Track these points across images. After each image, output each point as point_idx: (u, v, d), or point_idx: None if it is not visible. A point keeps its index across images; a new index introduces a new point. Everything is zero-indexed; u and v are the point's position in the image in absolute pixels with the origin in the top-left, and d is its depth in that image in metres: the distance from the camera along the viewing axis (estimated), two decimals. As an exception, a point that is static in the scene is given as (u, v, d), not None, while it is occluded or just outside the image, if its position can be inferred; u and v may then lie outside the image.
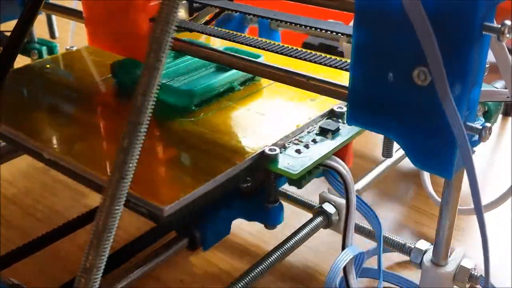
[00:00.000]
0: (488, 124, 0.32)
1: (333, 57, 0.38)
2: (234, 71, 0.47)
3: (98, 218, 0.28)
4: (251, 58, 0.42)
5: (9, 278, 0.43)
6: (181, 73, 0.48)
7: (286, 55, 0.40)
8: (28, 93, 0.49)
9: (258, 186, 0.40)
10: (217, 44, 0.52)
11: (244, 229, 0.56)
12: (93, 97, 0.49)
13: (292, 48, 0.40)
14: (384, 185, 0.63)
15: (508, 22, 0.28)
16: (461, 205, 0.39)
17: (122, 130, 0.28)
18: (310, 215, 0.49)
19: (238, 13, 0.44)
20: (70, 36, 0.78)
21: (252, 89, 0.48)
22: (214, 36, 0.44)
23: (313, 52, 0.39)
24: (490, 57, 0.32)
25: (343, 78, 0.37)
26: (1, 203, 0.60)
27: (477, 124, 0.32)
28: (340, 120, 0.43)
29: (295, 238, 0.46)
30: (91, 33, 0.48)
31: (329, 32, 0.39)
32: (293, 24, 0.41)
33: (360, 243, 0.43)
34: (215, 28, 0.46)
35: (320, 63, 0.38)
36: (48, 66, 0.54)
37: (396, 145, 0.36)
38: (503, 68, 0.33)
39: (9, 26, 0.47)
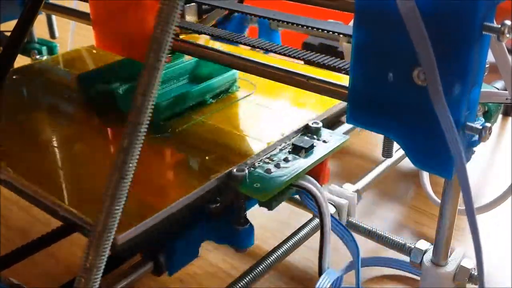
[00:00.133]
0: (488, 124, 0.32)
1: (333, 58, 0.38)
2: (207, 82, 0.45)
3: (98, 218, 0.28)
4: (251, 58, 0.42)
5: (9, 278, 0.43)
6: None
7: (286, 55, 0.40)
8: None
9: (228, 207, 0.38)
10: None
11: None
12: (56, 111, 0.46)
13: (293, 48, 0.40)
14: (384, 185, 0.63)
15: (508, 22, 0.28)
16: (461, 205, 0.39)
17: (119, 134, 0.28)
18: (310, 215, 0.49)
19: (241, 14, 0.44)
20: (70, 36, 0.78)
21: (225, 103, 0.47)
22: (216, 37, 0.44)
23: (313, 52, 0.39)
24: (490, 57, 0.32)
25: (343, 78, 0.37)
26: (1, 203, 0.60)
27: (477, 124, 0.32)
28: (315, 137, 0.41)
29: (295, 238, 0.46)
30: (98, 35, 0.47)
31: (329, 32, 0.39)
32: (293, 24, 0.41)
33: (361, 243, 0.43)
34: (219, 29, 0.46)
35: (320, 63, 0.38)
36: (14, 76, 0.51)
37: (396, 145, 0.36)
38: (503, 68, 0.33)
39: (9, 26, 0.47)
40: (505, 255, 0.53)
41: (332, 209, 0.48)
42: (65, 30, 0.77)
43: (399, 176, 0.66)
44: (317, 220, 0.48)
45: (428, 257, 0.42)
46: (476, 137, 0.32)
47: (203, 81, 0.46)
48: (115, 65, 0.49)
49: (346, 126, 0.47)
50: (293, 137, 0.41)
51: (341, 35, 0.39)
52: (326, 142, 0.41)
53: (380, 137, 0.43)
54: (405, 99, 0.32)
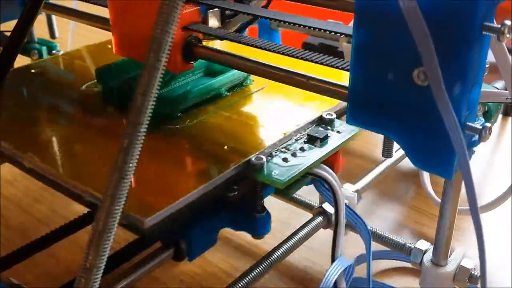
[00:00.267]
0: (488, 124, 0.32)
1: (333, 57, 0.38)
2: (222, 76, 0.46)
3: (98, 218, 0.28)
4: (251, 58, 0.42)
5: (9, 279, 0.43)
6: (167, 79, 0.46)
7: (286, 55, 0.40)
8: (9, 99, 0.48)
9: (245, 195, 0.39)
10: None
11: (244, 229, 0.56)
12: (77, 103, 0.47)
13: (292, 48, 0.40)
14: (384, 185, 0.63)
15: (508, 22, 0.28)
16: (461, 205, 0.39)
17: (120, 132, 0.28)
18: (310, 215, 0.49)
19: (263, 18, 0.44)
20: (70, 36, 0.78)
21: (240, 95, 0.47)
22: (216, 36, 0.44)
23: (313, 52, 0.39)
24: (490, 57, 0.32)
25: (342, 78, 0.37)
26: (1, 203, 0.60)
27: (477, 124, 0.32)
28: (329, 127, 0.42)
29: (295, 238, 0.46)
30: (118, 41, 0.46)
31: (329, 32, 0.39)
32: (293, 24, 0.41)
33: (361, 243, 0.43)
34: (220, 29, 0.46)
35: (320, 63, 0.38)
36: (33, 71, 0.53)
37: (396, 145, 0.36)
38: (503, 68, 0.33)
39: (9, 26, 0.47)
40: (505, 255, 0.53)
41: (332, 209, 0.48)
42: (65, 30, 0.77)
43: (399, 176, 0.66)
44: (317, 220, 0.48)
45: (428, 257, 0.42)
46: (476, 137, 0.32)
47: (217, 74, 0.47)
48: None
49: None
50: (308, 128, 0.42)
51: (341, 35, 0.39)
52: (340, 133, 0.41)
53: (380, 137, 0.43)
54: (405, 99, 0.32)
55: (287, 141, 0.41)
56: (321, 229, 0.49)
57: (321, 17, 0.42)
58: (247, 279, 0.42)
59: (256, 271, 0.43)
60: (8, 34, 0.43)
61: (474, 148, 0.34)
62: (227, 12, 0.48)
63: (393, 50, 0.31)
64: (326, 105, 0.44)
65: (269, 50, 0.40)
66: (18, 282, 0.43)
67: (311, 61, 0.38)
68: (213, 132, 0.42)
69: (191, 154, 0.40)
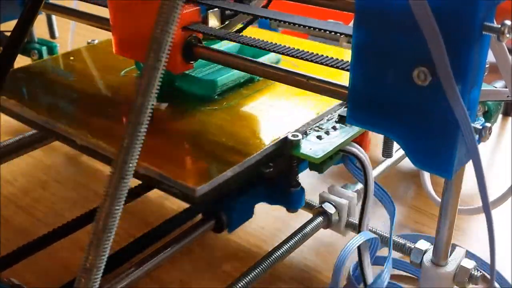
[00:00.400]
0: (488, 124, 0.32)
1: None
2: (235, 71, 0.47)
3: (98, 218, 0.28)
4: (251, 58, 0.43)
5: (9, 279, 0.43)
6: (203, 64, 0.48)
7: (286, 55, 0.40)
8: (53, 83, 0.51)
9: (280, 172, 0.42)
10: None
11: (244, 229, 0.56)
12: (117, 87, 0.50)
13: (292, 48, 0.40)
14: (384, 185, 0.63)
15: (508, 22, 0.28)
16: (461, 205, 0.39)
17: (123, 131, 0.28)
18: (310, 215, 0.49)
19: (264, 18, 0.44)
20: (70, 36, 0.78)
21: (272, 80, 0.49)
22: (216, 36, 0.44)
23: (313, 52, 0.39)
24: (490, 57, 0.32)
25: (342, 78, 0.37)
26: (1, 203, 0.60)
27: (477, 124, 0.32)
28: None
29: (295, 238, 0.46)
30: (118, 41, 0.46)
31: (329, 32, 0.39)
32: (293, 24, 0.41)
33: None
34: (222, 30, 0.46)
35: (320, 63, 0.38)
36: (72, 57, 0.56)
37: (396, 145, 0.36)
38: (503, 68, 0.33)
39: (9, 26, 0.47)
40: (506, 255, 0.53)
41: (332, 209, 0.49)
42: (65, 30, 0.77)
43: (399, 176, 0.66)
44: (317, 220, 0.48)
45: (428, 257, 0.42)
46: (476, 137, 0.32)
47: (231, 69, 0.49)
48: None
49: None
50: (338, 109, 0.45)
51: (341, 35, 0.39)
52: None
53: (380, 137, 0.43)
54: (405, 99, 0.32)
55: (319, 121, 0.44)
56: (321, 229, 0.49)
57: (321, 17, 0.42)
58: (247, 279, 0.42)
59: (256, 271, 0.43)
60: (8, 34, 0.43)
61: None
62: (227, 12, 0.48)
63: (393, 50, 0.31)
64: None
65: (269, 50, 0.41)
66: (18, 282, 0.43)
67: (311, 61, 0.38)
68: (249, 113, 0.45)
69: (231, 132, 0.42)
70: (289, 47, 0.40)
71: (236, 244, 0.55)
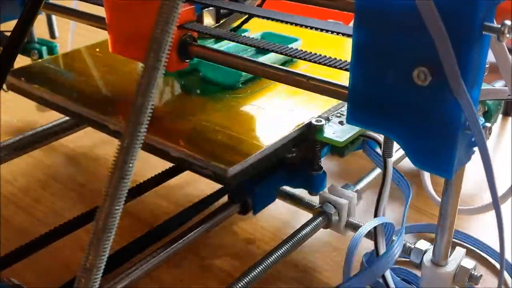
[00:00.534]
0: (488, 124, 0.32)
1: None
2: (271, 54, 0.48)
3: (98, 218, 0.28)
4: (251, 58, 0.43)
5: (9, 278, 0.43)
6: (229, 52, 0.48)
7: (286, 55, 0.40)
8: (83, 73, 0.54)
9: (302, 157, 0.44)
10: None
11: (244, 229, 0.56)
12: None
13: (292, 48, 0.40)
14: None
15: (508, 22, 0.28)
16: (461, 205, 0.39)
17: (123, 130, 0.28)
18: (310, 215, 0.49)
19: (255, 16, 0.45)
20: (70, 36, 0.78)
21: (293, 68, 0.51)
22: (216, 36, 0.44)
23: (313, 52, 0.39)
24: (490, 57, 0.32)
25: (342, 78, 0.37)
26: (1, 203, 0.60)
27: (477, 124, 0.32)
28: None
29: (295, 238, 0.46)
30: (113, 40, 0.46)
31: (329, 32, 0.39)
32: (293, 24, 0.41)
33: (361, 243, 0.43)
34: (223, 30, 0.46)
35: (320, 63, 0.38)
36: (97, 49, 0.58)
37: (396, 145, 0.36)
38: (503, 68, 0.33)
39: (9, 26, 0.47)
40: (506, 255, 0.53)
41: (332, 209, 0.49)
42: (65, 30, 0.77)
43: (399, 176, 0.66)
44: (317, 220, 0.48)
45: (428, 257, 0.42)
46: (476, 137, 0.32)
47: (267, 52, 0.49)
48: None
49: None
50: None
51: (341, 35, 0.39)
52: None
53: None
54: (405, 99, 0.32)
55: (341, 107, 0.45)
56: (321, 229, 0.49)
57: (321, 17, 0.42)
58: (247, 279, 0.42)
59: (256, 271, 0.43)
60: (8, 34, 0.43)
61: (475, 148, 0.34)
62: (222, 11, 0.48)
63: (393, 50, 0.31)
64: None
65: (269, 50, 0.41)
66: (18, 282, 0.43)
67: (311, 61, 0.38)
68: (272, 101, 0.48)
69: (257, 119, 0.45)
70: (289, 47, 0.40)
71: (236, 244, 0.55)
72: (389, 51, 0.32)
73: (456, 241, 0.53)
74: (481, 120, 0.33)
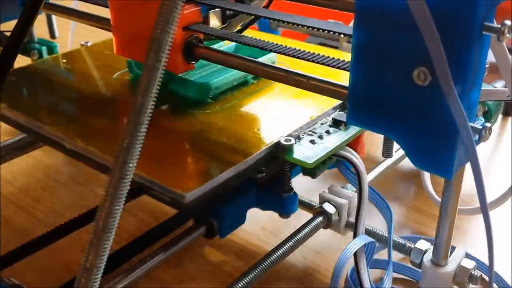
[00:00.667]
0: (488, 124, 0.32)
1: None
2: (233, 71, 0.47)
3: (98, 218, 0.28)
4: (250, 58, 0.42)
5: (9, 278, 0.43)
6: (196, 66, 0.48)
7: (286, 55, 0.40)
8: (42, 87, 0.51)
9: (272, 177, 0.42)
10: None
11: (244, 229, 0.56)
12: (109, 90, 0.50)
13: (292, 48, 0.40)
14: (384, 185, 0.63)
15: (508, 22, 0.28)
16: (461, 205, 0.39)
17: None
18: (310, 215, 0.49)
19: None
20: (70, 36, 0.78)
21: (265, 83, 0.50)
22: (216, 36, 0.44)
23: (313, 52, 0.39)
24: (490, 57, 0.32)
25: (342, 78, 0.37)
26: (1, 203, 0.60)
27: (477, 124, 0.32)
28: None
29: (295, 238, 0.46)
30: (118, 42, 0.46)
31: (329, 32, 0.39)
32: (293, 24, 0.41)
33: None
34: (224, 30, 0.46)
35: (320, 63, 0.38)
36: (64, 60, 0.56)
37: (396, 145, 0.36)
38: (503, 68, 0.33)
39: (9, 26, 0.47)
40: (506, 255, 0.53)
41: (332, 209, 0.49)
42: (65, 30, 0.77)
43: (399, 176, 0.66)
44: (317, 220, 0.48)
45: (428, 257, 0.42)
46: (476, 137, 0.32)
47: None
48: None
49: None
50: (332, 113, 0.44)
51: (341, 35, 0.39)
52: None
53: (380, 137, 0.43)
54: (405, 99, 0.32)
55: (313, 125, 0.43)
56: (321, 229, 0.49)
57: (321, 17, 0.42)
58: (247, 279, 0.42)
59: (256, 271, 0.43)
60: (8, 34, 0.43)
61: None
62: (228, 12, 0.48)
63: (393, 50, 0.31)
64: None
65: (269, 50, 0.41)
66: (18, 282, 0.42)
67: (311, 61, 0.38)
68: (242, 116, 0.45)
69: (223, 137, 0.42)
70: (289, 47, 0.40)
71: (236, 244, 0.55)
72: (389, 51, 0.32)
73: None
74: (481, 120, 0.33)
